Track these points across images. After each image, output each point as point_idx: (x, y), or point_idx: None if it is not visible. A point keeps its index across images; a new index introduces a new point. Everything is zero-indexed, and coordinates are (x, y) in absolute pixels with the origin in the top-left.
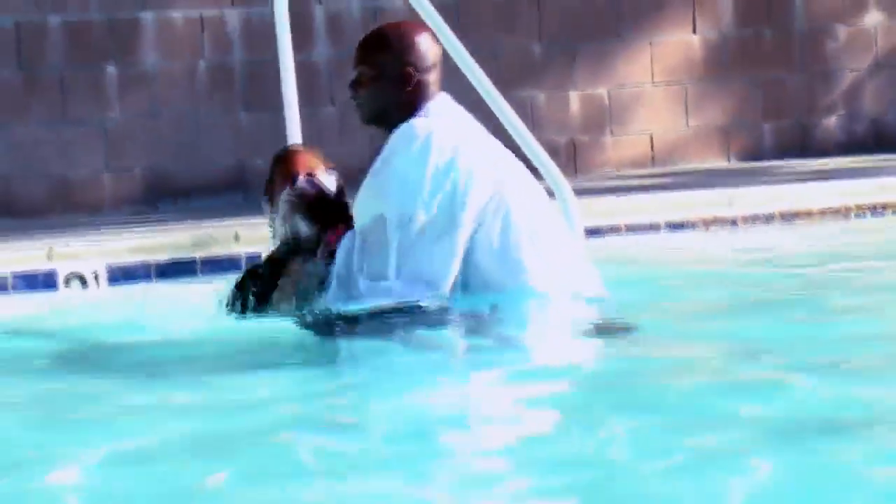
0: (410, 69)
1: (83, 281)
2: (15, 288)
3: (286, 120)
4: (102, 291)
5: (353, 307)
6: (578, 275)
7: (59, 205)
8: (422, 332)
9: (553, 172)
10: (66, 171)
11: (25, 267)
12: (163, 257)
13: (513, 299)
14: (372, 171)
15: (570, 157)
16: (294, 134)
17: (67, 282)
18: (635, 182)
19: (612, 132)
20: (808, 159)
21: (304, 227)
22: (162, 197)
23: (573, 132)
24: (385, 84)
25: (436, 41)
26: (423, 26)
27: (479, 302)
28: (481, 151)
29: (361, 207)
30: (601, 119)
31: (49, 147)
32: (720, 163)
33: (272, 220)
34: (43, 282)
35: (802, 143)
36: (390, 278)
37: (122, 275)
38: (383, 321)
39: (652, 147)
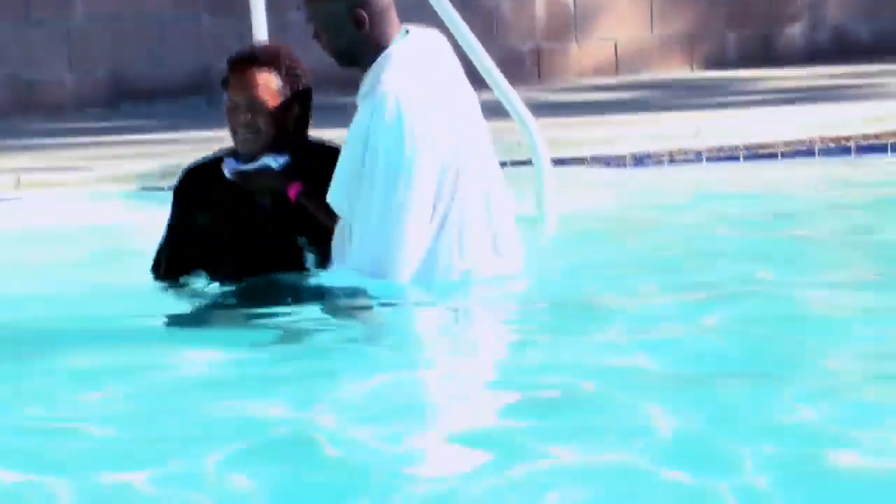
0: (360, 11)
1: None
2: None
3: (252, 25)
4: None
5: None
6: (507, 253)
7: (22, 106)
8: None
9: (521, 113)
10: (30, 73)
11: None
12: (132, 187)
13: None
14: (351, 148)
15: (535, 64)
16: (261, 39)
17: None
18: (600, 97)
19: (576, 39)
20: (772, 69)
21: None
22: (124, 99)
23: (538, 39)
24: (340, 32)
25: None
26: None
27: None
28: (444, 123)
29: (343, 190)
30: (566, 26)
31: (12, 49)
32: (684, 71)
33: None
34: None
35: (766, 53)
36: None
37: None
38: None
39: (616, 56)
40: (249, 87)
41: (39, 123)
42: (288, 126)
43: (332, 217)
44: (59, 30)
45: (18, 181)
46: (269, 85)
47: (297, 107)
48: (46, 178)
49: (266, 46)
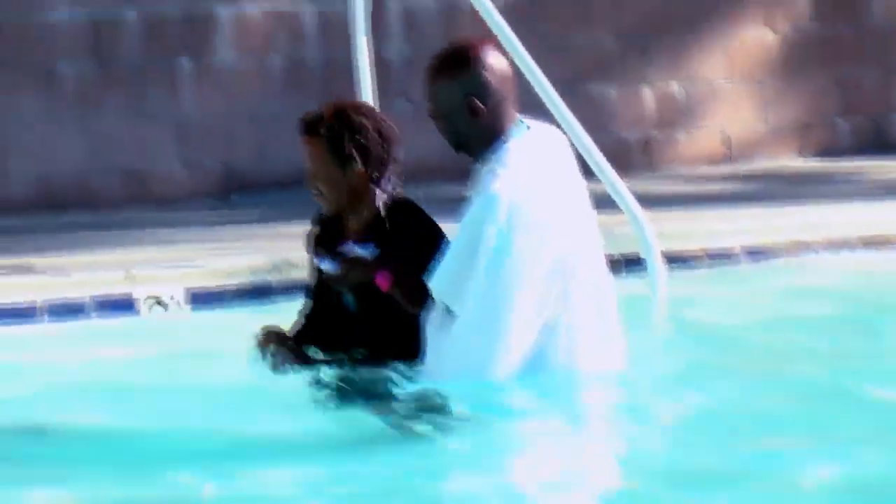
0: (476, 102)
1: (162, 304)
2: (95, 311)
3: None
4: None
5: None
6: (612, 350)
7: (134, 198)
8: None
9: (631, 205)
10: (141, 165)
11: (104, 291)
12: (242, 281)
13: (547, 379)
14: (462, 242)
15: (644, 154)
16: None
17: (148, 305)
18: (710, 188)
19: (686, 129)
20: (884, 159)
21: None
22: (235, 191)
23: (646, 128)
24: (455, 118)
25: (501, 56)
26: (485, 44)
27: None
28: (557, 226)
29: (450, 278)
30: (675, 115)
31: (124, 141)
32: (795, 161)
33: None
34: (122, 305)
35: (878, 140)
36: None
37: (202, 299)
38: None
39: (726, 144)
40: (305, 154)
41: (150, 215)
42: (352, 187)
43: (416, 304)
44: (170, 121)
45: (129, 274)
46: (316, 150)
47: (358, 166)
48: (156, 273)
49: (316, 112)
